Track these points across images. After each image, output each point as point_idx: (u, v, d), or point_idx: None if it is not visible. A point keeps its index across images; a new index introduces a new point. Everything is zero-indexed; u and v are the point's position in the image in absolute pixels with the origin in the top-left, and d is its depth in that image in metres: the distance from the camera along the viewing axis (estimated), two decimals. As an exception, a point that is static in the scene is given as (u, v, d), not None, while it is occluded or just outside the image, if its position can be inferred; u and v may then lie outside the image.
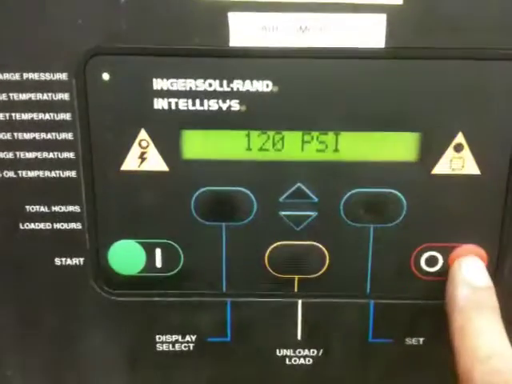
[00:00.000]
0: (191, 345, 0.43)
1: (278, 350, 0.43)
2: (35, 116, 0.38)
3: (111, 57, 0.37)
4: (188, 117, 0.38)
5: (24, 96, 0.37)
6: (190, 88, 0.37)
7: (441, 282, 0.40)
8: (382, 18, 0.36)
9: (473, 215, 0.40)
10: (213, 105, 0.38)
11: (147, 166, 0.39)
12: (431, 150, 0.39)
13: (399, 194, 0.39)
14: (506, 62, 0.37)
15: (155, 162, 0.39)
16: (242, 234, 0.40)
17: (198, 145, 0.39)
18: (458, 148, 0.38)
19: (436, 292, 0.41)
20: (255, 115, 0.38)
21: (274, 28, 0.36)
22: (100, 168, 0.39)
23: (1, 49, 0.37)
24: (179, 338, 0.43)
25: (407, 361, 0.43)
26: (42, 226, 0.40)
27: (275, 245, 0.41)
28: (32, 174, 0.39)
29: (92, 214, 0.40)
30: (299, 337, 0.43)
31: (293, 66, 0.37)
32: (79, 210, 0.40)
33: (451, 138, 0.38)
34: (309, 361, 0.43)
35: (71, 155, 0.39)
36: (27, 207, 0.40)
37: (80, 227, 0.40)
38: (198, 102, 0.38)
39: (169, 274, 0.41)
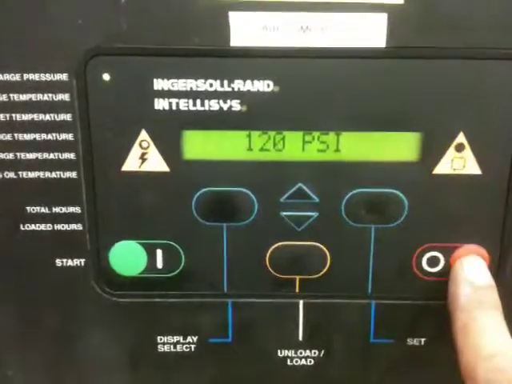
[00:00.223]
0: (192, 346, 0.43)
1: (279, 351, 0.43)
2: (36, 117, 0.38)
3: (112, 57, 0.37)
4: (189, 117, 0.38)
5: (24, 96, 0.37)
6: (191, 88, 0.37)
7: (442, 282, 0.40)
8: (383, 18, 0.36)
9: (474, 215, 0.40)
10: (213, 105, 0.38)
11: (148, 167, 0.39)
12: (432, 150, 0.38)
13: (400, 194, 0.39)
14: (507, 62, 0.37)
15: (156, 163, 0.39)
16: (243, 234, 0.40)
17: (198, 145, 0.39)
18: (460, 148, 0.38)
19: (437, 292, 0.41)
20: (256, 115, 0.38)
21: (274, 28, 0.36)
22: (101, 168, 0.39)
23: (1, 49, 0.36)
24: (180, 338, 0.43)
25: (409, 361, 0.43)
26: (42, 226, 0.40)
27: (276, 245, 0.41)
28: (32, 174, 0.39)
29: (93, 215, 0.40)
30: (300, 337, 0.43)
31: (294, 65, 0.37)
32: (80, 211, 0.40)
33: (452, 137, 0.38)
34: (310, 361, 0.43)
35: (72, 156, 0.39)
36: (28, 208, 0.40)
37: (81, 228, 0.40)
38: (198, 102, 0.38)
39: (170, 274, 0.41)
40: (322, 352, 0.43)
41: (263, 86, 0.37)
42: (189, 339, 0.43)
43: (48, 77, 0.37)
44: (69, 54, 0.36)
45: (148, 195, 0.40)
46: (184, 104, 0.38)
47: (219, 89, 0.37)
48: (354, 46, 0.36)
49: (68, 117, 0.38)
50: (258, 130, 0.38)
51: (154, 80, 0.37)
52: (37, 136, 0.38)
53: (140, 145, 0.38)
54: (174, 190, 0.39)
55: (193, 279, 0.41)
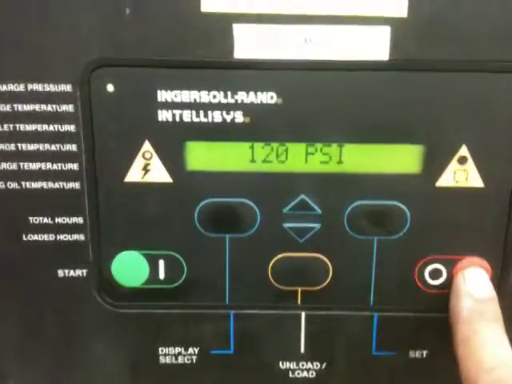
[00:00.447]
0: (194, 357, 0.43)
1: (281, 363, 0.43)
2: (39, 127, 0.38)
3: (116, 68, 0.37)
4: (192, 128, 0.38)
5: (28, 107, 0.37)
6: (195, 100, 0.37)
7: (445, 294, 0.40)
8: (386, 31, 0.36)
9: (476, 228, 0.40)
10: (217, 116, 0.38)
11: (151, 178, 0.39)
12: (435, 163, 0.39)
13: (403, 207, 0.39)
14: (511, 75, 0.37)
15: (159, 174, 0.39)
16: (245, 245, 0.40)
17: (201, 156, 0.39)
18: (462, 160, 0.38)
19: (440, 305, 0.40)
20: (259, 127, 0.38)
21: (278, 40, 0.36)
22: (104, 179, 0.39)
23: (5, 59, 0.37)
24: (182, 350, 0.42)
25: (411, 374, 0.43)
26: (45, 237, 0.40)
27: (278, 257, 0.41)
28: (36, 185, 0.39)
29: (95, 226, 0.40)
30: (302, 349, 0.42)
31: (297, 78, 0.37)
32: (82, 222, 0.40)
33: (455, 150, 0.38)
34: (312, 374, 0.43)
35: (75, 166, 0.39)
36: (30, 218, 0.40)
37: (83, 239, 0.40)
38: (202, 113, 0.38)
39: (172, 285, 0.41)
40: (324, 364, 0.43)
41: (266, 97, 0.37)
42: (190, 351, 0.42)
43: (52, 87, 0.37)
44: (73, 65, 0.37)
45: (150, 206, 0.40)
46: (187, 115, 0.38)
47: (223, 100, 0.37)
48: (358, 59, 0.36)
49: (72, 127, 0.38)
50: (261, 142, 0.38)
51: (158, 91, 0.37)
52: (40, 146, 0.38)
53: (143, 156, 0.38)
54: (176, 201, 0.39)
55: (195, 290, 0.41)
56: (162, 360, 0.43)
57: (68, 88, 0.37)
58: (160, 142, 0.38)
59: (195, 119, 0.38)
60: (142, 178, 0.39)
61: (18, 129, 0.38)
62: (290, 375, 0.43)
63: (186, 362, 0.43)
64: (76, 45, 0.36)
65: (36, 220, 0.40)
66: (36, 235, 0.40)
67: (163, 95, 0.37)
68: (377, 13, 0.36)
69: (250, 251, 0.40)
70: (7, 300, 0.41)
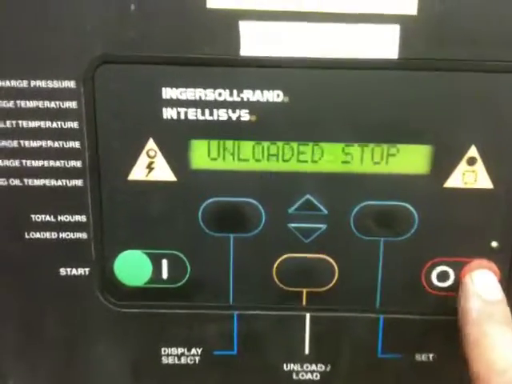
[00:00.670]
0: (197, 358, 0.42)
1: (285, 365, 0.42)
2: (42, 124, 0.37)
3: (120, 65, 0.36)
4: (197, 126, 0.37)
5: (31, 103, 0.37)
6: (200, 97, 0.37)
7: (452, 297, 0.40)
8: (395, 29, 0.35)
9: (485, 230, 0.39)
10: (222, 114, 0.37)
11: (155, 176, 0.39)
12: (443, 163, 0.38)
13: (410, 208, 0.39)
14: None
15: (163, 172, 0.38)
16: (249, 245, 0.40)
17: (206, 155, 0.38)
18: (471, 161, 0.38)
19: (447, 307, 0.40)
20: (265, 125, 0.38)
21: (285, 38, 0.36)
22: (107, 177, 0.39)
23: (8, 55, 0.36)
24: (185, 350, 0.42)
25: (417, 377, 0.42)
26: (47, 235, 0.40)
27: (283, 257, 0.40)
28: (38, 182, 0.39)
29: (98, 224, 0.39)
30: (307, 351, 0.42)
31: (304, 76, 0.37)
32: (85, 220, 0.39)
33: (464, 151, 0.38)
34: (316, 376, 0.43)
35: (78, 164, 0.38)
36: (33, 216, 0.39)
37: (86, 237, 0.40)
38: (207, 111, 0.37)
39: (175, 285, 0.41)
40: (329, 366, 0.42)
41: (273, 96, 0.37)
42: (193, 351, 0.42)
43: (55, 84, 0.37)
44: (77, 61, 0.36)
45: (154, 205, 0.39)
46: (192, 113, 0.37)
47: (228, 98, 0.37)
48: (366, 57, 0.36)
49: (75, 124, 0.37)
50: (267, 141, 0.38)
51: (163, 89, 0.37)
52: (43, 143, 0.38)
53: (147, 154, 0.38)
54: (180, 200, 0.39)
55: (198, 290, 0.41)
56: (164, 360, 0.42)
57: (72, 84, 0.37)
58: (164, 140, 0.38)
59: (200, 117, 0.37)
60: (146, 176, 0.39)
61: (20, 125, 0.38)
62: (294, 377, 0.43)
63: (189, 362, 0.42)
64: (80, 41, 0.36)
65: (38, 218, 0.39)
66: (38, 233, 0.40)
67: (168, 93, 0.37)
68: (386, 11, 0.35)
69: (255, 251, 0.40)
70: (8, 298, 0.41)
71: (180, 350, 0.42)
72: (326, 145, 0.38)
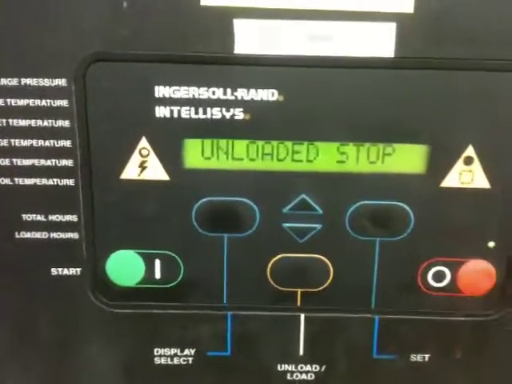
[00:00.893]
0: (190, 359, 0.42)
1: (279, 365, 0.42)
2: (33, 122, 0.37)
3: (112, 63, 0.36)
4: (190, 125, 0.37)
5: (22, 102, 0.37)
6: (193, 96, 0.37)
7: (448, 297, 0.40)
8: (391, 27, 0.35)
9: (482, 230, 0.39)
10: (216, 113, 0.37)
11: (147, 175, 0.38)
12: (440, 163, 0.38)
13: (406, 207, 0.39)
14: None
15: (156, 171, 0.38)
16: (244, 245, 0.40)
17: (199, 154, 0.38)
18: (468, 161, 0.38)
19: (443, 308, 0.40)
20: (259, 124, 0.37)
21: (280, 36, 0.35)
22: (99, 176, 0.38)
23: None
24: (178, 351, 0.42)
25: (412, 378, 0.42)
26: (38, 235, 0.39)
27: (278, 257, 0.40)
28: (29, 181, 0.38)
29: (90, 224, 0.39)
30: (301, 352, 0.42)
31: (299, 74, 0.36)
32: (77, 219, 0.39)
33: (461, 150, 0.37)
34: (311, 376, 0.42)
35: (69, 163, 0.38)
36: (23, 215, 0.39)
37: (77, 237, 0.39)
38: (200, 110, 0.37)
39: (168, 285, 0.41)
40: (324, 367, 0.42)
41: (267, 94, 0.36)
42: (186, 352, 0.42)
43: (46, 82, 0.36)
44: (68, 59, 0.36)
45: (147, 204, 0.39)
46: (186, 112, 0.37)
47: (222, 97, 0.37)
48: (362, 56, 0.36)
49: (66, 123, 0.37)
50: (261, 140, 0.38)
51: (156, 87, 0.36)
52: (34, 142, 0.37)
53: (140, 153, 0.38)
54: (173, 199, 0.39)
55: (192, 290, 0.41)
56: (157, 361, 0.42)
57: (63, 83, 0.36)
58: (157, 139, 0.37)
59: (194, 116, 0.37)
60: (139, 175, 0.38)
61: (11, 124, 0.37)
62: (288, 377, 0.43)
63: (182, 363, 0.42)
64: (72, 39, 0.35)
65: (29, 217, 0.39)
66: (29, 233, 0.39)
67: (161, 91, 0.36)
68: (382, 9, 0.35)
69: (249, 251, 0.40)
70: (-1, 299, 0.41)
71: (173, 351, 0.42)
72: (321, 144, 0.38)
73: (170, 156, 0.38)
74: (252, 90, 0.36)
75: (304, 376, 0.42)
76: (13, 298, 0.41)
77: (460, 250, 0.39)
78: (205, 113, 0.37)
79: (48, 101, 0.36)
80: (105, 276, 0.40)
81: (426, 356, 0.42)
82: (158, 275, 0.40)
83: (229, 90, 0.36)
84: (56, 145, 0.37)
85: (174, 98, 0.37)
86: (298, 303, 0.41)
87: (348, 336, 0.41)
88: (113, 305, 0.41)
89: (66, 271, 0.40)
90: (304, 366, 0.42)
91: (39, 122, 0.37)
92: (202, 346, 0.42)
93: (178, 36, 0.35)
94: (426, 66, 0.36)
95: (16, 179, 0.38)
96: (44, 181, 0.38)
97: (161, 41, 0.35)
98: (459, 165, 0.38)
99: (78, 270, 0.40)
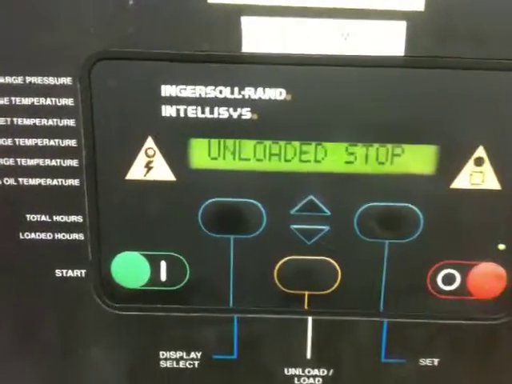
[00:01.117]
0: (196, 362, 0.42)
1: (286, 369, 0.42)
2: (38, 121, 0.37)
3: (118, 61, 0.36)
4: (197, 125, 0.37)
5: (26, 100, 0.36)
6: (200, 95, 0.36)
7: (458, 301, 0.40)
8: (401, 26, 0.35)
9: (492, 232, 0.39)
10: (223, 113, 0.37)
11: (153, 176, 0.38)
12: (450, 164, 0.37)
13: (416, 209, 0.38)
14: None
15: (162, 172, 0.38)
16: (250, 247, 0.39)
17: (206, 154, 0.38)
18: (479, 162, 0.37)
19: (452, 311, 0.40)
20: (267, 124, 0.37)
21: (288, 34, 0.35)
22: (104, 176, 0.38)
23: (3, 51, 0.35)
24: (184, 354, 0.42)
25: (421, 382, 0.42)
26: (42, 235, 0.39)
27: (285, 259, 0.40)
28: (33, 181, 0.38)
29: (95, 225, 0.39)
30: (309, 355, 0.42)
31: (307, 73, 0.36)
32: (82, 220, 0.39)
33: (471, 151, 0.37)
34: (318, 381, 0.42)
35: (74, 163, 0.38)
36: (28, 216, 0.39)
37: (82, 238, 0.39)
38: (207, 109, 0.36)
39: (174, 287, 0.40)
40: (331, 371, 0.42)
41: (275, 93, 0.36)
42: (192, 355, 0.42)
43: (51, 80, 0.36)
44: (73, 58, 0.35)
45: (153, 205, 0.39)
46: (192, 111, 0.36)
47: (229, 96, 0.36)
48: (372, 54, 0.35)
49: (71, 122, 0.37)
50: (269, 140, 0.37)
51: (162, 86, 0.36)
52: (38, 141, 0.37)
53: (146, 153, 0.37)
54: (179, 200, 0.38)
55: (198, 293, 0.40)
56: (162, 364, 0.42)
57: (68, 81, 0.36)
58: (163, 139, 0.37)
59: (200, 115, 0.37)
60: (145, 175, 0.38)
61: (15, 123, 0.37)
62: (296, 382, 0.42)
63: (188, 366, 0.42)
64: (77, 37, 0.35)
65: (33, 218, 0.39)
66: (33, 233, 0.39)
67: (167, 90, 0.36)
68: (392, 7, 0.34)
69: (256, 253, 0.39)
70: (3, 300, 0.40)
71: (179, 354, 0.42)
72: (329, 144, 0.37)
73: (176, 156, 0.38)
74: (259, 89, 0.36)
75: (311, 380, 0.42)
76: (16, 299, 0.40)
77: (470, 252, 0.39)
78: (212, 112, 0.37)
79: (53, 99, 0.36)
80: (110, 278, 0.40)
81: (436, 360, 0.41)
82: (163, 277, 0.40)
83: (236, 89, 0.36)
84: (61, 144, 0.37)
85: (180, 97, 0.36)
86: (306, 306, 0.41)
87: (356, 339, 0.41)
88: (118, 307, 0.41)
89: (70, 273, 0.40)
90: (311, 370, 0.42)
91: (44, 121, 0.37)
92: (208, 349, 0.41)
93: (185, 34, 0.35)
94: (436, 65, 0.35)
95: (20, 179, 0.38)
96: (49, 181, 0.38)
97: (167, 39, 0.35)
98: (469, 166, 0.37)
99: (83, 271, 0.40)
